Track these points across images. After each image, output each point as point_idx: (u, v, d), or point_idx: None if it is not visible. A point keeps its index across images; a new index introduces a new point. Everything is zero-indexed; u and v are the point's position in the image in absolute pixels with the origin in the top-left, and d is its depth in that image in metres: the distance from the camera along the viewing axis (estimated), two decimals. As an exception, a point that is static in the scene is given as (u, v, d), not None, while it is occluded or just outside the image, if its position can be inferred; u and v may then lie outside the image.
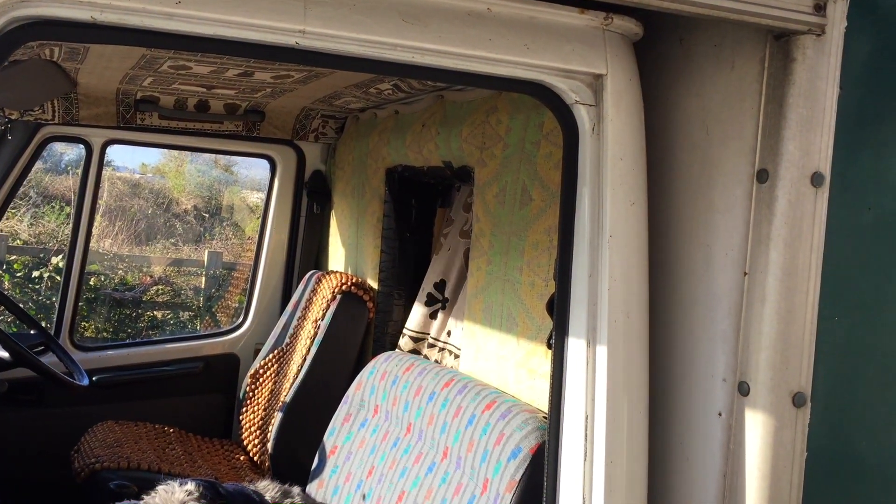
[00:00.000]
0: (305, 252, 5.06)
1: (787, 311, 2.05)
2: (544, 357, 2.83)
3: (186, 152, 15.73)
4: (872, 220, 2.10)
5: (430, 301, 3.96)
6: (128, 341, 8.86)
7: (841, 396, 2.08)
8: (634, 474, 2.16)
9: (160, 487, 2.84)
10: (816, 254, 2.06)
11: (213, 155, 15.21)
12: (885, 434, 2.13)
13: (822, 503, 2.06)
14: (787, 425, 2.03)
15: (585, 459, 2.17)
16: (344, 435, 3.44)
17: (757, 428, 2.03)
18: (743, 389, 2.06)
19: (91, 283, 10.81)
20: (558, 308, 2.29)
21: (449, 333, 3.85)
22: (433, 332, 3.96)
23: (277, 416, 4.12)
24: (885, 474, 2.13)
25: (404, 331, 4.11)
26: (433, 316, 3.98)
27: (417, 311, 4.03)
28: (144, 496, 2.85)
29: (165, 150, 15.97)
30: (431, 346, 3.93)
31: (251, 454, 4.38)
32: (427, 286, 4.02)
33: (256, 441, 4.33)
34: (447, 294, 3.93)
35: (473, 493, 2.64)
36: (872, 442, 2.12)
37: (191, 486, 2.84)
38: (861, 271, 2.10)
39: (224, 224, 15.44)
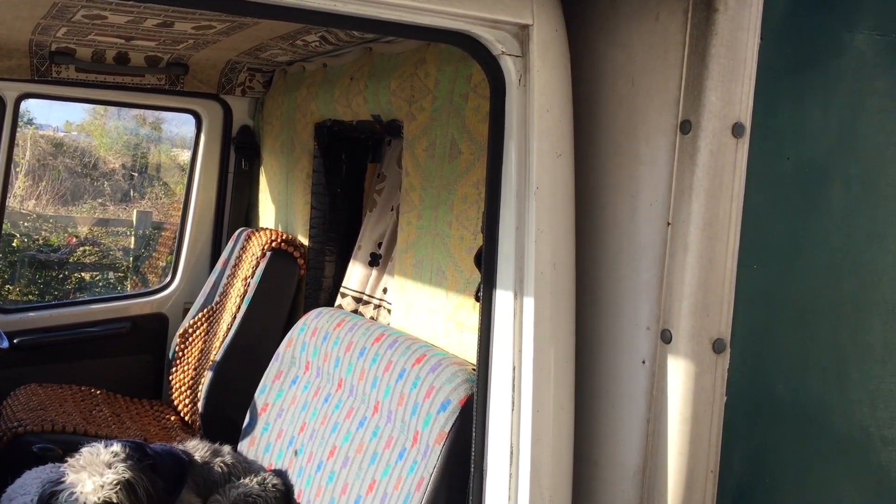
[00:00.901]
0: (234, 209, 4.97)
1: (709, 260, 2.08)
2: (473, 310, 2.84)
3: (112, 110, 15.25)
4: (791, 169, 2.14)
5: (373, 261, 3.92)
6: (52, 302, 8.60)
7: (759, 341, 2.13)
8: (561, 423, 2.19)
9: (84, 449, 2.78)
10: (737, 203, 2.09)
11: (141, 113, 14.82)
12: (801, 377, 2.19)
13: (740, 445, 2.12)
14: (707, 371, 2.08)
15: (513, 409, 2.19)
16: (275, 392, 3.42)
17: (679, 374, 2.07)
18: (665, 337, 2.10)
19: (14, 244, 10.46)
20: (485, 261, 2.29)
21: (385, 290, 3.83)
22: (367, 289, 3.93)
23: (208, 376, 4.07)
24: (801, 415, 2.20)
25: (344, 290, 4.07)
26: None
27: (360, 272, 3.99)
28: (69, 459, 2.78)
29: (91, 108, 15.47)
30: (366, 303, 3.91)
31: (182, 414, 4.32)
32: (369, 245, 3.98)
33: (187, 401, 4.28)
34: (381, 251, 3.90)
35: (404, 445, 2.65)
36: (789, 385, 2.19)
37: (117, 447, 2.79)
38: (779, 220, 2.15)
39: (153, 183, 15.07)
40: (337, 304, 4.10)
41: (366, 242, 4.01)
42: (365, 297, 3.92)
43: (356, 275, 4.00)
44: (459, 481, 2.40)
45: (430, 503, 2.45)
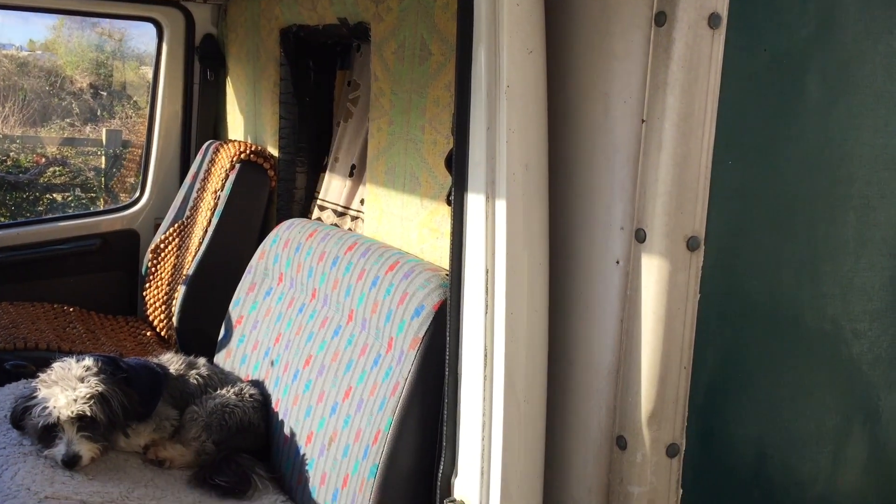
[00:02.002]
0: (201, 122, 4.85)
1: (683, 157, 2.04)
2: (447, 216, 2.80)
3: (76, 27, 14.82)
4: (767, 61, 2.08)
5: (352, 172, 3.85)
6: (19, 220, 8.46)
7: (733, 239, 2.11)
8: (535, 324, 2.18)
9: (55, 364, 2.75)
10: (712, 98, 2.03)
11: (106, 28, 14.39)
12: (774, 275, 2.18)
13: (713, 342, 2.12)
14: (681, 269, 2.06)
15: (486, 313, 2.17)
16: (249, 304, 3.39)
17: (652, 273, 2.06)
18: (640, 236, 2.07)
19: (-20, 166, 10.27)
20: (456, 163, 2.24)
21: (362, 201, 3.77)
22: (343, 200, 3.87)
23: (181, 290, 4.03)
24: (773, 313, 2.20)
25: (323, 203, 4.00)
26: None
27: (339, 184, 3.91)
28: (40, 374, 2.76)
29: (53, 26, 15.01)
30: (342, 214, 3.86)
31: (157, 329, 4.30)
32: (348, 157, 3.89)
33: (162, 316, 4.25)
34: (357, 161, 3.82)
35: (379, 352, 2.64)
36: (762, 283, 2.18)
37: (89, 361, 2.76)
38: (755, 114, 2.10)
39: (122, 101, 14.74)
40: (315, 216, 4.04)
41: (343, 154, 3.93)
42: (341, 209, 3.87)
43: (335, 187, 3.93)
44: (434, 385, 2.40)
45: (405, 407, 2.45)
